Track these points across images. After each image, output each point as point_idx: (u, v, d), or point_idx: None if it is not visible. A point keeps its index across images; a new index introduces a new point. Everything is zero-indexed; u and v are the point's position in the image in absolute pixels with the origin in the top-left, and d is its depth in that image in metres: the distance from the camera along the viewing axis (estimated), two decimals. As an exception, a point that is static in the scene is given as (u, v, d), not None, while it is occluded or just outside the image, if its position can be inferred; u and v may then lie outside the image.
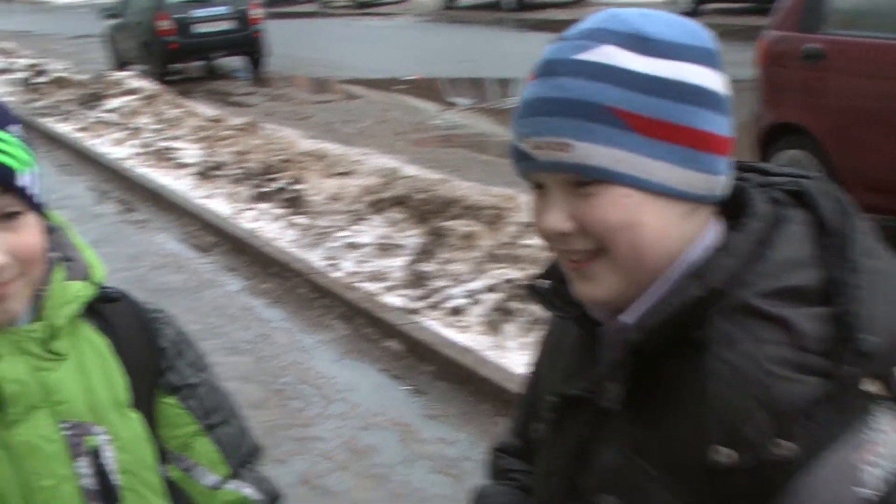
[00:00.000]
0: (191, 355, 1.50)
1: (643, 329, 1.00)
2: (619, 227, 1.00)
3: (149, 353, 1.44)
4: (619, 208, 0.99)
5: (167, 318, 1.51)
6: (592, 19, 1.01)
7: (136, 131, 12.39)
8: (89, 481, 1.33)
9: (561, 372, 1.16)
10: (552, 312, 1.16)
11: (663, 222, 1.00)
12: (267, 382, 5.46)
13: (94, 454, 1.33)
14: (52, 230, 1.40)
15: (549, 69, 1.00)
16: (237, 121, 11.52)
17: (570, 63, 0.98)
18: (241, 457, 1.52)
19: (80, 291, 1.36)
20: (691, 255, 1.02)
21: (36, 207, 1.29)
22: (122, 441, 1.36)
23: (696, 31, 1.01)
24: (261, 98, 15.57)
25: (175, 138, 11.62)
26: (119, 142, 12.30)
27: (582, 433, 1.08)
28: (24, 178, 1.25)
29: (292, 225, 7.95)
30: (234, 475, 1.50)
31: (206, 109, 13.16)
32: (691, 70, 0.97)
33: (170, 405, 1.45)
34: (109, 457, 1.35)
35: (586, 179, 0.99)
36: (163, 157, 10.97)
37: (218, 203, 9.09)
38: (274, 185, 8.73)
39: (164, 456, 1.45)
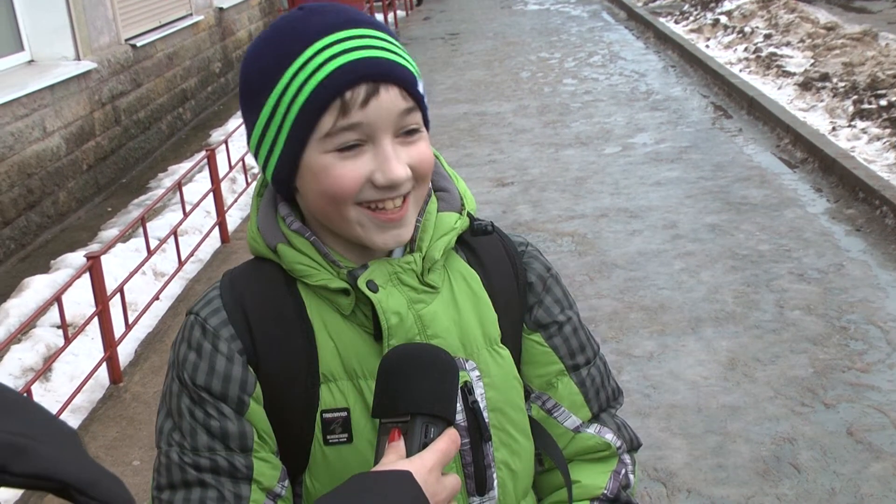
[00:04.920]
0: (558, 292, 1.41)
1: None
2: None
3: (515, 288, 1.37)
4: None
5: (534, 251, 1.42)
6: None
7: (746, 35, 12.21)
8: (459, 417, 1.27)
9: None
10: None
11: None
12: (830, 317, 5.17)
13: (466, 390, 1.28)
14: None
15: None
16: (852, 29, 10.73)
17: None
18: (604, 400, 1.43)
19: (455, 223, 1.31)
20: None
21: (426, 123, 1.26)
22: (492, 378, 1.31)
23: None
24: (888, 3, 14.25)
25: (784, 45, 11.22)
26: (727, 45, 12.24)
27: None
28: (421, 87, 1.23)
29: (892, 147, 7.29)
30: (595, 419, 1.42)
31: (822, 15, 12.45)
32: None
33: (535, 342, 1.38)
34: (480, 393, 1.29)
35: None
36: (767, 63, 10.68)
37: (815, 117, 8.66)
38: (879, 103, 8.03)
39: (527, 394, 1.39)
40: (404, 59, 1.22)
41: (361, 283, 1.24)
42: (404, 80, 1.19)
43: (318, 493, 1.26)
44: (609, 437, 1.42)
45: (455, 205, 1.34)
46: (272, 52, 1.21)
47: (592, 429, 1.41)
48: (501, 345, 1.34)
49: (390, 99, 1.18)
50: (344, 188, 1.19)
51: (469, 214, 1.34)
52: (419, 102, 1.22)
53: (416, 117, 1.22)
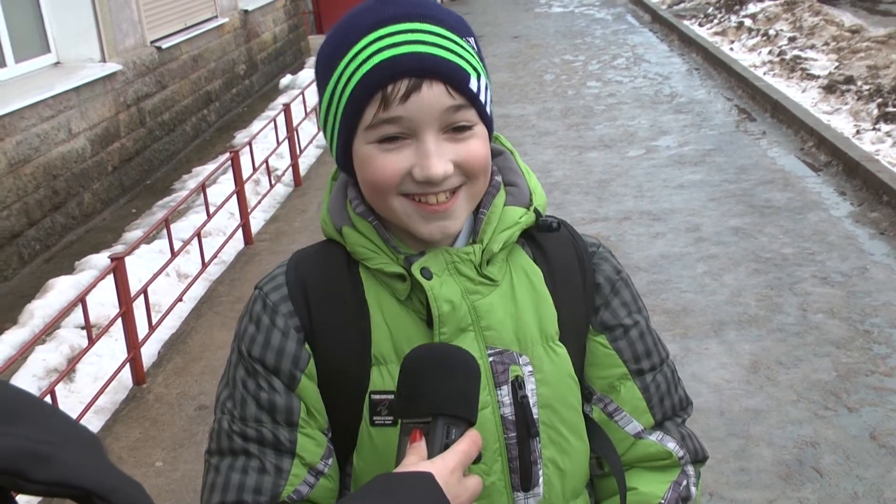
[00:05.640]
0: (626, 295, 1.39)
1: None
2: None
3: (583, 288, 1.36)
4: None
5: (605, 253, 1.41)
6: None
7: (770, 38, 12.14)
8: (508, 410, 1.27)
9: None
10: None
11: None
12: (854, 320, 5.14)
13: (517, 384, 1.28)
14: (498, 153, 1.38)
15: None
16: (877, 32, 10.64)
17: None
18: (669, 408, 1.40)
19: (520, 218, 1.31)
20: None
21: (485, 120, 1.25)
22: (545, 374, 1.30)
23: None
24: (915, 4, 14.14)
25: (808, 48, 11.15)
26: (752, 48, 12.18)
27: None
28: (476, 84, 1.21)
29: (918, 151, 7.23)
30: (659, 426, 1.39)
31: (847, 18, 12.36)
32: None
33: (599, 344, 1.36)
34: (531, 389, 1.29)
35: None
36: (792, 66, 10.62)
37: (840, 120, 8.60)
38: (905, 106, 7.97)
39: (588, 395, 1.38)
40: (457, 55, 1.20)
41: (415, 270, 1.25)
42: (450, 77, 1.19)
43: (365, 474, 1.28)
44: (671, 445, 1.39)
45: (523, 200, 1.34)
46: (336, 40, 1.24)
47: (654, 436, 1.39)
48: (559, 343, 1.33)
49: (433, 95, 1.18)
50: (384, 179, 1.21)
51: (536, 210, 1.34)
52: (472, 100, 1.21)
53: (468, 114, 1.21)
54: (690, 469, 1.41)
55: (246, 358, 1.28)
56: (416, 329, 1.28)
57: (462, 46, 1.22)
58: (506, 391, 1.28)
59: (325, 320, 1.28)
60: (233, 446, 1.27)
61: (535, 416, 1.28)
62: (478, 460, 1.20)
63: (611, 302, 1.38)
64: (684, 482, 1.39)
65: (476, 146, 1.23)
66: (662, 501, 1.37)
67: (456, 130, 1.21)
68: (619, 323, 1.37)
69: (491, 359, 1.28)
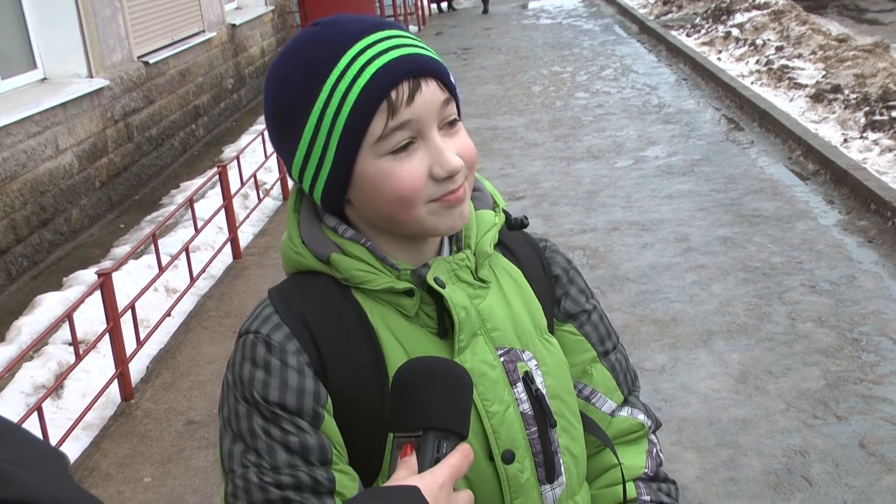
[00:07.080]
0: (581, 282, 1.46)
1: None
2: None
3: (545, 281, 1.42)
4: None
5: (554, 246, 1.48)
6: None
7: (758, 48, 12.19)
8: (526, 406, 1.30)
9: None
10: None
11: None
12: (842, 329, 5.14)
13: (528, 379, 1.31)
14: None
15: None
16: (864, 41, 10.70)
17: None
18: (630, 383, 1.49)
19: (494, 220, 1.35)
20: None
21: (459, 114, 1.29)
22: (548, 366, 1.34)
23: None
24: (900, 14, 14.22)
25: (795, 57, 11.20)
26: (739, 58, 12.23)
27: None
28: (452, 78, 1.25)
29: (905, 159, 7.25)
30: (626, 402, 1.47)
31: (834, 27, 12.42)
32: None
33: (567, 332, 1.42)
34: (540, 381, 1.32)
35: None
36: (779, 76, 10.66)
37: (827, 129, 8.63)
38: (891, 114, 8.00)
39: None
40: (433, 53, 1.25)
41: (430, 279, 1.25)
42: (439, 72, 1.22)
43: None
44: (641, 417, 1.47)
45: (488, 203, 1.38)
46: (303, 69, 1.20)
47: (625, 411, 1.46)
48: (550, 334, 1.38)
49: (431, 91, 1.20)
50: (411, 188, 1.20)
51: (505, 211, 1.38)
52: (453, 93, 1.25)
53: (453, 108, 1.25)
54: (654, 437, 1.50)
55: (262, 405, 1.20)
56: (430, 343, 1.27)
57: (429, 46, 1.27)
58: (521, 388, 1.31)
59: (334, 351, 1.24)
60: (269, 497, 1.18)
61: (550, 408, 1.32)
62: (511, 460, 1.26)
63: (569, 291, 1.44)
64: (654, 450, 1.48)
65: (467, 138, 1.27)
66: (646, 470, 1.45)
67: (449, 125, 1.24)
68: (583, 309, 1.44)
69: (502, 359, 1.30)
